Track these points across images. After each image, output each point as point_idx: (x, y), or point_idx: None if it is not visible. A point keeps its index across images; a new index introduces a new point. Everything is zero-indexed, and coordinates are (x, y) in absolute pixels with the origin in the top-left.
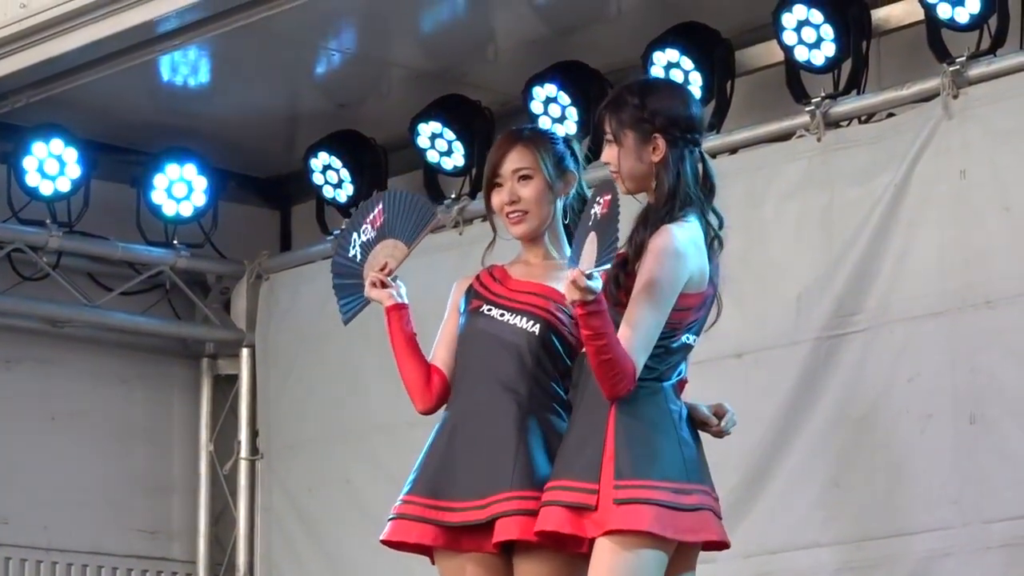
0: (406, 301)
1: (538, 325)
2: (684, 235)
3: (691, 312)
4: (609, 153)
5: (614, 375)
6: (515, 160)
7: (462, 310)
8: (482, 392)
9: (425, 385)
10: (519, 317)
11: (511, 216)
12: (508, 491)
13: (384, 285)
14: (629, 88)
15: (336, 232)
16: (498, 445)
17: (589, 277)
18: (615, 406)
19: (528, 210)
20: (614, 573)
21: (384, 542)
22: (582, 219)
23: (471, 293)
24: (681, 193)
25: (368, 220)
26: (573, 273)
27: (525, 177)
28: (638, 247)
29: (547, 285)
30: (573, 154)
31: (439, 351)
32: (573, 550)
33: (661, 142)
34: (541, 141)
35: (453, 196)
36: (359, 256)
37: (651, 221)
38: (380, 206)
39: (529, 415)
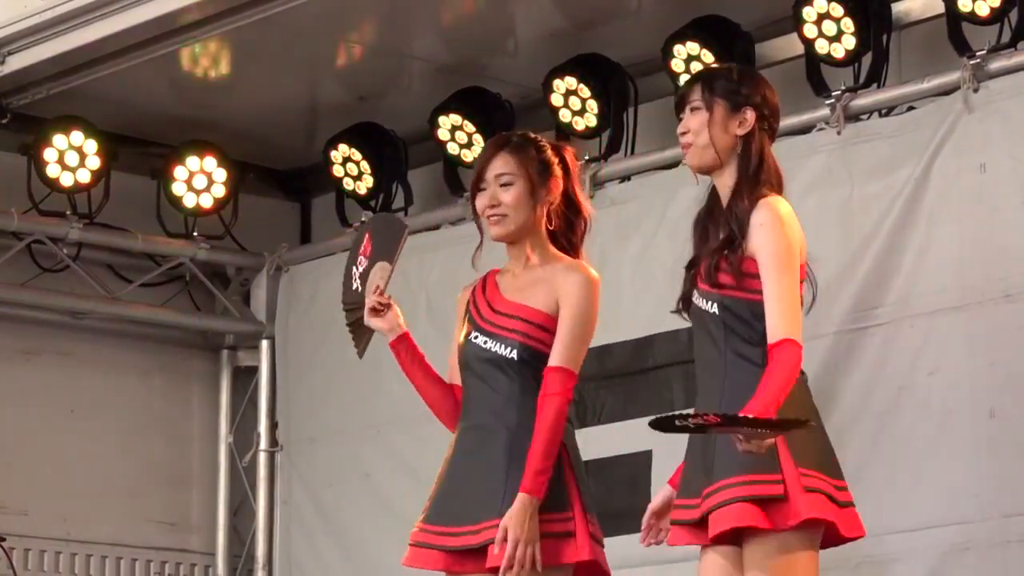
0: (404, 327)
1: (515, 350)
2: (785, 207)
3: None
4: (692, 120)
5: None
6: (498, 166)
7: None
8: (475, 419)
9: (452, 407)
10: (499, 344)
11: (490, 218)
12: (498, 517)
13: (381, 308)
14: (726, 67)
15: (356, 225)
16: (490, 471)
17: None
18: None
19: (507, 214)
20: (800, 563)
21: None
22: None
23: (467, 315)
24: (766, 168)
25: (360, 252)
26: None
27: (507, 184)
28: (740, 222)
29: (524, 305)
30: (562, 162)
31: (455, 369)
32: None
33: (751, 115)
34: (525, 148)
35: None
36: (360, 288)
37: (745, 193)
38: (367, 234)
39: (519, 440)
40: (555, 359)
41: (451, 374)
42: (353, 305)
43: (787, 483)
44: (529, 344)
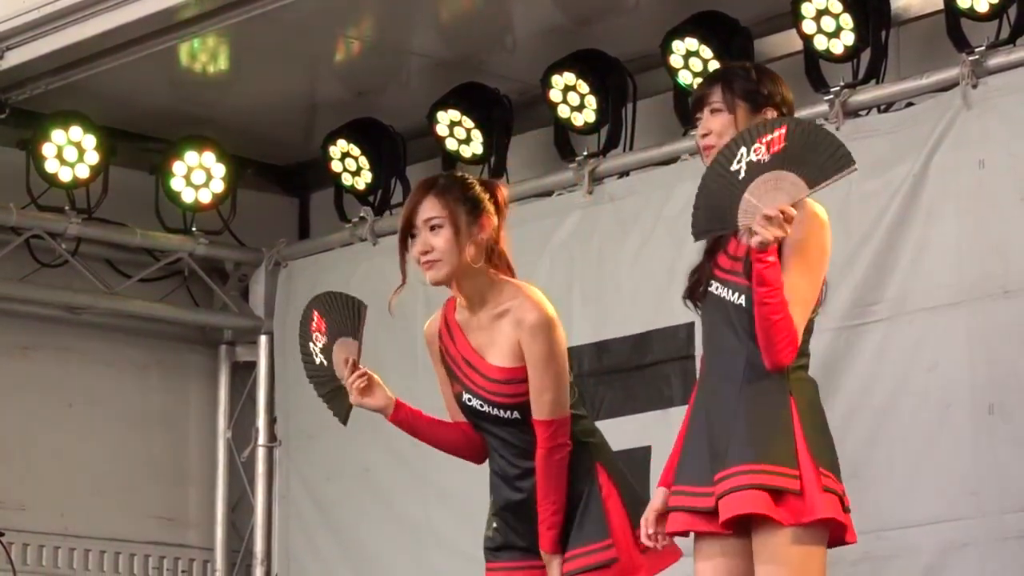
0: (393, 397)
1: (515, 412)
2: (824, 212)
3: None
4: (713, 122)
5: (783, 339)
6: (427, 210)
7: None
8: (500, 467)
9: (466, 444)
10: (495, 408)
11: (423, 264)
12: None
13: (366, 386)
14: (741, 65)
15: (353, 221)
16: (528, 513)
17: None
18: (793, 394)
19: (440, 259)
20: (815, 559)
21: None
22: (722, 177)
23: (447, 367)
24: None
25: (313, 329)
26: (770, 211)
27: (436, 227)
28: None
29: (501, 367)
30: (493, 198)
31: (453, 410)
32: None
33: (772, 114)
34: (451, 189)
35: None
36: (325, 362)
37: None
38: (315, 313)
39: None
40: (534, 412)
41: (452, 413)
42: (322, 378)
43: (804, 480)
44: (524, 401)
